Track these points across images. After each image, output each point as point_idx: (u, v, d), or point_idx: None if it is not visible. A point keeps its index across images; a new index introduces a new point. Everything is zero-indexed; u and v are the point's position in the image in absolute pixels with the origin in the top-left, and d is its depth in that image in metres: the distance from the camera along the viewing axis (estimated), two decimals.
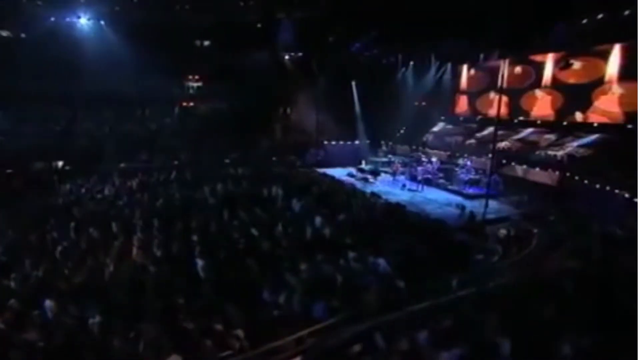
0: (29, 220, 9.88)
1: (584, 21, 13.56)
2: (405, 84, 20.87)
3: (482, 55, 17.62)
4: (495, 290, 6.03)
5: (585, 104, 14.72)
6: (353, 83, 21.58)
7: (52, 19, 18.14)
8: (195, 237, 8.53)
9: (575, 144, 14.28)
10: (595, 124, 14.40)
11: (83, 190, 12.78)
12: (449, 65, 19.11)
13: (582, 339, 4.08)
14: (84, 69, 18.64)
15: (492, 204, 12.25)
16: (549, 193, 12.51)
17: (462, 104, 19.81)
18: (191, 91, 23.59)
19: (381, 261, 7.51)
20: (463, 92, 19.74)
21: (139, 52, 17.89)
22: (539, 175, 13.34)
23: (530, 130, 16.28)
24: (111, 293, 6.04)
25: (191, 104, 23.54)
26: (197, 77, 23.28)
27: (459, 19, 13.74)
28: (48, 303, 5.49)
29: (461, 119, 19.05)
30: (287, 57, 22.56)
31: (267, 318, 5.53)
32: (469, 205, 12.40)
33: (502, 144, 15.13)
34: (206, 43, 22.44)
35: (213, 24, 20.36)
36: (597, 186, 10.90)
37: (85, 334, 5.15)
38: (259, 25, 21.09)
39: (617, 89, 13.76)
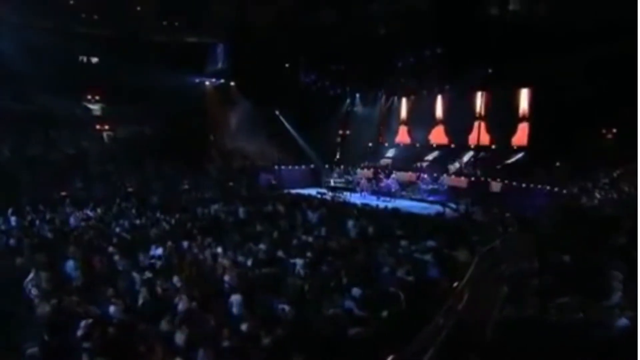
0: None
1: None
2: (350, 114, 23.63)
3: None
4: None
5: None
6: (277, 112, 22.51)
7: None
8: (262, 246, 8.74)
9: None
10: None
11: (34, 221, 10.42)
12: (394, 98, 22.60)
13: None
14: None
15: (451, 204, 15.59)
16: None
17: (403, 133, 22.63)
18: (96, 113, 20.69)
19: (430, 242, 9.42)
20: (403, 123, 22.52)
21: (27, 64, 14.90)
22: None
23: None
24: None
25: (106, 126, 20.81)
26: (97, 97, 20.55)
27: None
28: (235, 298, 5.37)
29: (401, 145, 22.18)
30: (212, 81, 22.19)
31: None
32: (434, 208, 15.51)
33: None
34: (96, 60, 19.62)
35: (121, 39, 18.42)
36: (524, 185, 15.35)
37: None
38: (174, 47, 19.67)
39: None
